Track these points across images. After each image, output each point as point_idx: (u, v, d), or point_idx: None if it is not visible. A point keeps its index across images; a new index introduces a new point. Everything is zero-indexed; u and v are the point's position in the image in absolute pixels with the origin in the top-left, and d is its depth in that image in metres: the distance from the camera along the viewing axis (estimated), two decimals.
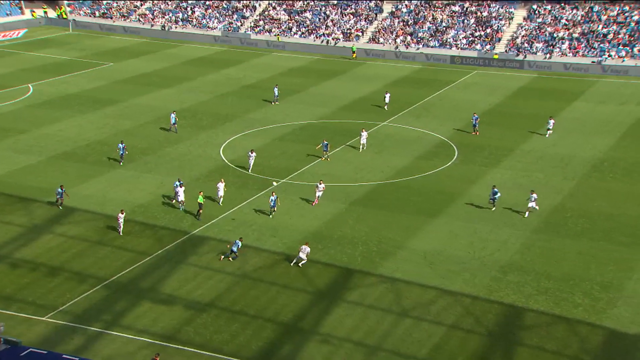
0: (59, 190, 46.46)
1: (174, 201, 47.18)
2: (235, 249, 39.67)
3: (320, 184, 47.04)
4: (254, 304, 36.33)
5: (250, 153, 52.99)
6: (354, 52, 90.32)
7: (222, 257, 40.05)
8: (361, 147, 56.88)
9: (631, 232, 42.38)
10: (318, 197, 46.96)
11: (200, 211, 45.27)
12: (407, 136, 60.91)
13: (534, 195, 43.96)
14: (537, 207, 44.43)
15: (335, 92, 75.05)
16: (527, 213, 44.33)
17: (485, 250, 41.03)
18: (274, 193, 45.42)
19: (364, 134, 57.05)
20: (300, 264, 39.31)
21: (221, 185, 46.60)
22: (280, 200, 46.89)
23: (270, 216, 44.91)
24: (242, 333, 33.92)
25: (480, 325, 34.26)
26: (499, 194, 45.35)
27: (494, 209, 45.35)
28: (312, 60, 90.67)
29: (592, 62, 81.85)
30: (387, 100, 68.41)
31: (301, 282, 38.39)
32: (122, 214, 43.19)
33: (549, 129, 57.64)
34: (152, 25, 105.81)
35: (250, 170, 52.22)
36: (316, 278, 38.75)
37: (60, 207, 46.46)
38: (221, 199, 46.54)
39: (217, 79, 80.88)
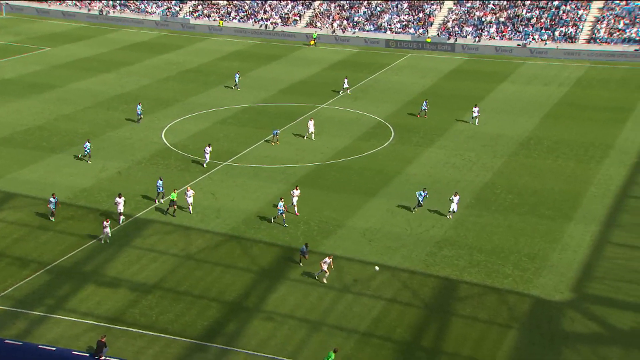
0: (52, 199, 41.50)
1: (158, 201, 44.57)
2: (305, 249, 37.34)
3: (296, 190, 43.52)
4: (198, 284, 36.03)
5: (206, 148, 50.27)
6: (313, 39, 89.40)
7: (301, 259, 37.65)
8: (309, 135, 55.74)
9: (555, 206, 43.72)
10: (294, 204, 43.07)
11: (174, 207, 42.66)
12: (345, 118, 61.11)
13: (457, 198, 42.08)
14: (456, 210, 42.14)
15: (275, 76, 74.57)
16: (449, 215, 42.06)
17: (421, 227, 41.67)
18: (282, 199, 42.00)
19: (311, 122, 56.32)
20: (321, 278, 36.05)
21: (190, 193, 42.71)
22: (223, 182, 46.45)
23: (285, 225, 41.67)
24: (188, 313, 33.63)
25: (417, 298, 34.86)
26: (425, 196, 42.85)
27: (415, 210, 42.98)
28: (252, 44, 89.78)
29: (518, 45, 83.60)
30: (345, 85, 68.36)
31: (245, 261, 38.25)
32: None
33: (474, 116, 57.90)
34: (89, 10, 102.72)
35: (205, 165, 50.07)
36: (259, 257, 38.68)
37: (52, 219, 41.84)
38: (191, 207, 42.89)
39: (158, 64, 79.25)
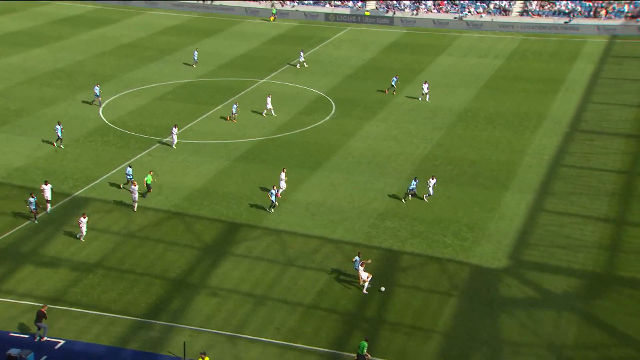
0: (31, 199, 38.36)
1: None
2: None
3: (282, 172, 42.20)
4: (141, 262, 35.48)
5: (173, 129, 48.27)
6: (273, 15, 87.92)
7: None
8: (268, 111, 54.60)
9: (492, 176, 44.66)
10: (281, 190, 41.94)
11: (150, 191, 41.48)
12: (286, 92, 60.72)
13: (433, 181, 41.26)
14: (432, 193, 41.41)
15: (214, 50, 73.33)
16: (425, 197, 41.17)
17: (364, 200, 41.97)
18: (274, 187, 40.42)
19: (269, 98, 55.07)
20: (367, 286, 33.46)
21: (135, 189, 40.01)
22: (164, 159, 45.66)
23: (271, 210, 40.11)
24: (131, 291, 33.11)
25: None
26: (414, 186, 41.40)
27: (405, 200, 41.40)
28: (189, 18, 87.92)
29: (454, 17, 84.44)
30: (302, 58, 67.78)
31: (188, 238, 37.82)
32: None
33: (424, 93, 57.98)
34: None
35: (175, 146, 48.30)
36: (203, 234, 38.30)
37: (36, 222, 38.69)
38: (136, 204, 40.26)
39: (93, 38, 76.82)
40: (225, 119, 53.86)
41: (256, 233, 38.42)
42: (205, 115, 54.96)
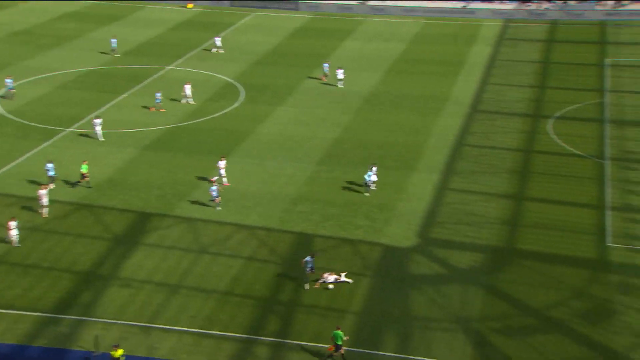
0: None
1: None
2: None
3: (221, 160, 41.28)
4: (47, 256, 34.19)
5: (95, 120, 46.56)
6: (188, 1, 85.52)
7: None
8: (186, 100, 53.29)
9: (399, 158, 45.63)
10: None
11: (85, 180, 40.13)
12: (194, 79, 59.63)
13: (374, 168, 40.72)
14: (375, 179, 40.78)
15: (117, 37, 71.03)
16: (372, 186, 40.51)
17: (276, 185, 41.97)
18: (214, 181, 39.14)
19: (188, 86, 53.65)
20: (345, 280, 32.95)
21: (43, 192, 37.45)
22: (68, 150, 43.97)
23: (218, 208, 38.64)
24: (37, 286, 31.88)
25: (274, 254, 35.27)
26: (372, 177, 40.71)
27: (367, 194, 40.57)
28: (89, 4, 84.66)
29: (359, 2, 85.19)
30: (218, 43, 66.81)
31: (97, 230, 36.70)
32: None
33: (339, 79, 57.82)
34: None
35: (102, 139, 46.52)
36: (113, 224, 37.26)
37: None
38: (45, 210, 37.81)
39: None
40: (149, 109, 52.18)
41: (168, 222, 37.74)
42: (110, 104, 53.27)
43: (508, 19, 78.72)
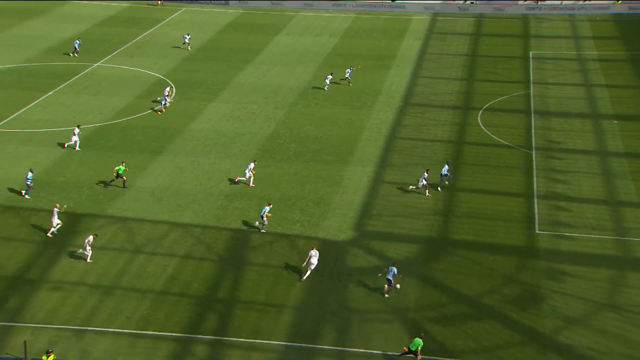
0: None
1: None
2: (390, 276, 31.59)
3: (253, 163, 40.99)
4: None
5: (75, 129, 44.47)
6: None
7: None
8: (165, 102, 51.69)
9: (334, 151, 45.88)
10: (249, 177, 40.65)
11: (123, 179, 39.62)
12: (123, 76, 58.33)
13: (426, 174, 39.72)
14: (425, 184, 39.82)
15: (40, 33, 68.72)
16: (427, 192, 39.88)
17: (211, 182, 41.53)
18: (270, 204, 36.79)
19: (167, 89, 52.35)
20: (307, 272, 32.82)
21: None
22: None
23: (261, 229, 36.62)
24: None
25: (211, 251, 34.93)
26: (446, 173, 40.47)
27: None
28: None
29: None
30: (186, 40, 65.48)
31: (24, 232, 35.48)
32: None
33: (327, 84, 56.41)
34: None
35: (78, 148, 44.39)
36: (41, 227, 36.07)
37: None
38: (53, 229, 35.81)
39: None
40: (158, 112, 50.47)
41: (100, 222, 36.83)
42: (35, 103, 51.51)
43: (436, 13, 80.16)
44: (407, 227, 37.21)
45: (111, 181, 40.43)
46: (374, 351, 28.41)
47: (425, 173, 39.99)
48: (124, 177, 40.19)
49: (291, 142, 47.21)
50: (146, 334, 29.04)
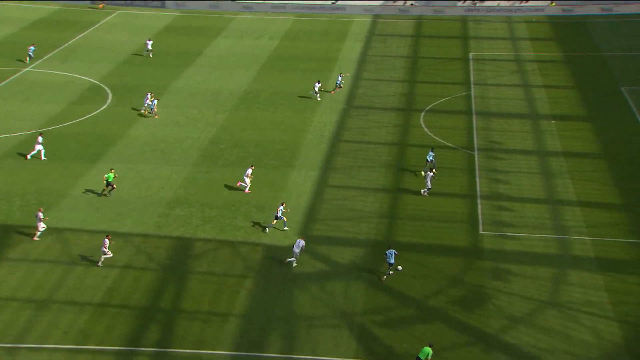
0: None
1: None
2: None
3: (250, 168, 41.09)
4: None
5: (39, 138, 43.13)
6: (100, 2, 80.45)
7: None
8: (147, 110, 50.85)
9: (278, 156, 45.81)
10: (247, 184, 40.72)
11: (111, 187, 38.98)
12: (55, 81, 56.86)
13: (430, 174, 40.57)
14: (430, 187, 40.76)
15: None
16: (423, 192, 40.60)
17: (151, 189, 40.88)
18: (284, 204, 37.38)
19: (148, 97, 51.14)
20: (290, 260, 33.77)
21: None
22: None
23: (266, 231, 36.99)
24: None
25: (152, 261, 34.36)
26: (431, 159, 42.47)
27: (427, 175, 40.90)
28: None
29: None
30: (149, 47, 64.07)
31: None
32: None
33: (316, 92, 55.18)
34: None
35: (30, 157, 43.08)
36: None
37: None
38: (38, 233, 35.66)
39: None
40: (145, 113, 49.98)
41: (33, 233, 35.72)
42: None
43: (376, 15, 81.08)
44: (353, 230, 37.43)
45: (102, 191, 39.59)
46: (323, 357, 28.44)
47: (430, 173, 40.61)
48: (114, 185, 39.38)
49: (233, 147, 46.91)
50: (85, 348, 28.33)
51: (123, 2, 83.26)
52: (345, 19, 79.52)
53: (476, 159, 45.15)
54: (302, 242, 33.88)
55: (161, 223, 37.54)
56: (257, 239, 36.50)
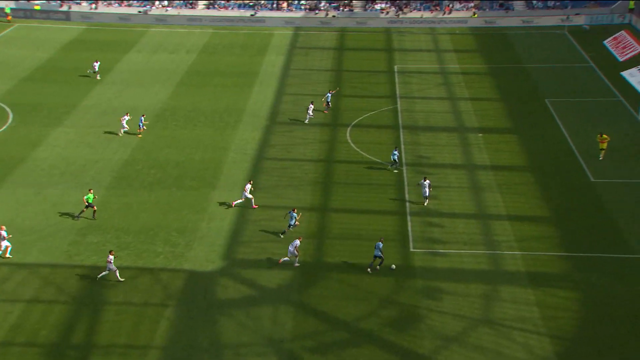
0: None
1: None
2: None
3: (249, 184, 41.96)
4: None
5: None
6: (8, 14, 77.14)
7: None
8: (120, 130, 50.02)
9: (198, 176, 45.47)
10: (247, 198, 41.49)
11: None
12: None
13: (427, 182, 41.98)
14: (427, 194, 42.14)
15: None
16: (426, 202, 42.14)
17: (60, 215, 39.78)
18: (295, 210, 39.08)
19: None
20: (285, 260, 36.04)
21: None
22: None
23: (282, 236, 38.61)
24: None
25: (62, 293, 33.42)
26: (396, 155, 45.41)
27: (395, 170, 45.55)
28: None
29: (139, 12, 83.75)
30: (96, 68, 61.99)
31: None
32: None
33: (309, 114, 54.63)
34: None
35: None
36: None
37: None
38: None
39: None
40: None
41: None
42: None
43: (298, 27, 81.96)
44: (280, 252, 37.47)
45: (80, 212, 38.97)
46: None
47: (426, 181, 42.04)
48: (95, 207, 38.74)
49: (150, 167, 46.28)
50: None
51: (22, 14, 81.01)
52: (266, 32, 80.00)
53: (405, 175, 46.10)
54: (297, 242, 35.71)
55: (72, 251, 36.57)
56: (177, 265, 36.05)
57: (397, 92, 61.08)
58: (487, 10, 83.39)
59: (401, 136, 52.12)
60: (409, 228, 39.90)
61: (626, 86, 56.56)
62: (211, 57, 70.67)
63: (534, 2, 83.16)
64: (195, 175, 45.57)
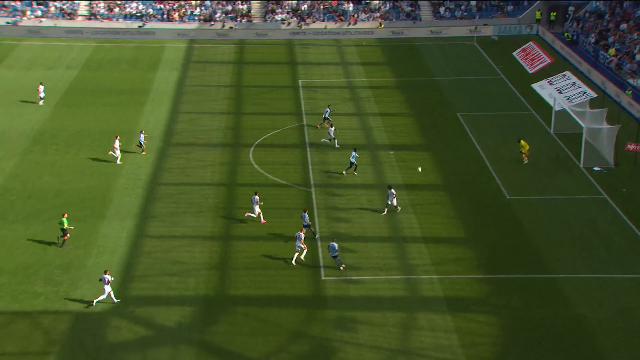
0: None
1: None
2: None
3: (255, 195, 43.07)
4: None
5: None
6: None
7: None
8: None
9: (85, 206, 44.21)
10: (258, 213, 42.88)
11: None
12: None
13: (392, 191, 44.04)
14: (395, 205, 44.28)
15: None
16: (398, 208, 44.41)
17: None
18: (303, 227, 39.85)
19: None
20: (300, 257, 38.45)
21: None
22: None
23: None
24: None
25: None
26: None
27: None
28: None
29: (7, 22, 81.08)
30: (42, 94, 60.03)
31: None
32: None
33: (331, 136, 53.75)
34: None
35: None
36: None
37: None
38: None
39: None
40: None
41: None
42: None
43: (192, 40, 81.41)
44: (179, 287, 36.82)
45: (58, 237, 38.65)
46: None
47: (392, 190, 43.92)
48: (67, 235, 39.18)
49: (27, 198, 44.73)
50: None
51: None
52: (157, 45, 79.08)
53: (313, 197, 46.34)
54: (301, 235, 38.56)
55: None
56: (61, 306, 34.80)
57: (303, 109, 61.53)
58: (394, 20, 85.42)
59: (308, 155, 52.44)
60: (320, 255, 40.02)
61: (537, 99, 59.15)
62: (95, 74, 69.18)
63: (441, 11, 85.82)
64: (80, 204, 44.29)
